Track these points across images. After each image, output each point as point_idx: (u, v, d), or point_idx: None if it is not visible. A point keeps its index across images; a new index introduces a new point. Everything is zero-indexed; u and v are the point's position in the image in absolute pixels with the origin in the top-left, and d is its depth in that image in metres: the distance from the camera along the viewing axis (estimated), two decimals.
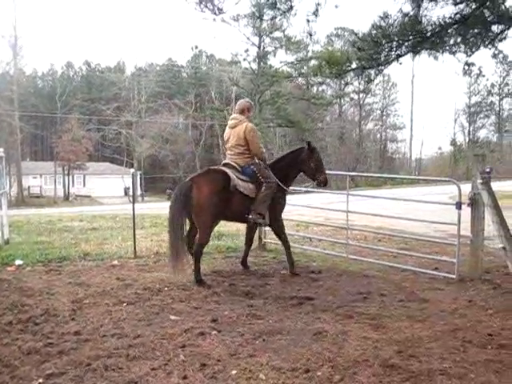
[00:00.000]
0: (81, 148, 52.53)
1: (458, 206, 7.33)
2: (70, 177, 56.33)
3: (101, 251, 9.42)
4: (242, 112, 7.61)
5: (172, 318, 5.46)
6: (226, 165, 7.48)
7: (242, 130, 7.35)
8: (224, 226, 8.30)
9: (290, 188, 8.20)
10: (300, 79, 53.10)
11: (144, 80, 62.06)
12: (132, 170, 10.91)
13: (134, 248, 9.10)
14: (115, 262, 8.46)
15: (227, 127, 7.69)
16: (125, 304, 5.95)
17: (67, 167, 54.03)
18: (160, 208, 23.96)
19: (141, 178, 57.97)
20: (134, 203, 9.62)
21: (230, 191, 7.05)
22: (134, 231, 9.30)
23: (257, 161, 7.56)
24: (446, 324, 5.26)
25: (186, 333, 4.95)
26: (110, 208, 25.00)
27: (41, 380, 3.90)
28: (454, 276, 7.28)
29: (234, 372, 4.03)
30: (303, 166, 7.86)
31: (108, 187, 54.46)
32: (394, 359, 4.25)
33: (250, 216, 7.29)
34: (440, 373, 3.99)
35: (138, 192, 53.69)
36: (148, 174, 59.95)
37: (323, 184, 7.89)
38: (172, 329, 5.07)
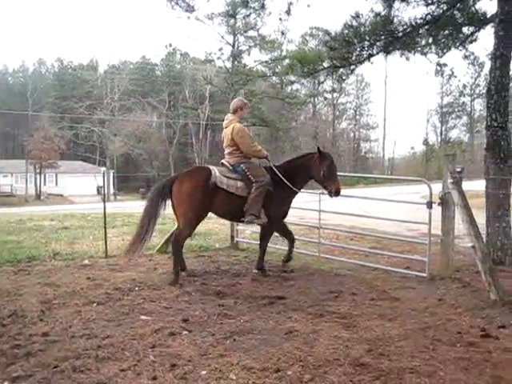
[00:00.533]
0: (53, 146, 51.72)
1: (429, 205, 7.39)
2: (42, 175, 55.53)
3: (71, 251, 9.32)
4: (234, 111, 7.60)
5: (142, 318, 5.40)
6: (222, 164, 7.56)
7: (230, 130, 7.39)
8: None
9: None
10: (274, 78, 53.32)
11: (117, 78, 61.52)
12: (103, 169, 10.78)
13: (106, 247, 9.01)
14: (86, 262, 8.37)
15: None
16: (95, 304, 5.88)
17: (39, 166, 53.24)
18: (133, 207, 23.83)
19: (113, 177, 57.48)
20: (104, 202, 9.51)
21: (213, 188, 7.07)
22: (105, 230, 9.21)
23: (252, 160, 7.53)
24: (416, 322, 5.30)
25: (156, 333, 4.90)
26: (83, 207, 24.76)
27: (7, 383, 3.82)
28: (424, 275, 7.34)
29: (204, 372, 3.99)
30: (312, 172, 7.52)
31: (80, 186, 53.78)
32: (365, 358, 4.26)
33: (246, 218, 7.25)
34: (410, 371, 4.01)
35: (111, 191, 53.22)
36: (121, 173, 59.44)
37: (334, 195, 7.41)
38: (142, 329, 5.01)
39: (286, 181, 7.40)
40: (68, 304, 5.88)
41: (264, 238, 7.81)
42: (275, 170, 7.50)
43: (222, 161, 7.60)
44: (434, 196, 7.36)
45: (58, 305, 5.85)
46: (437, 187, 7.48)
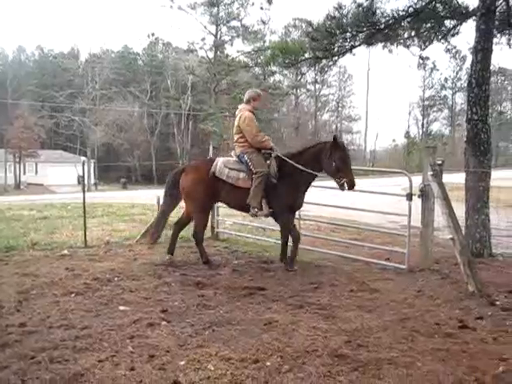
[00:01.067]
0: (33, 135, 51.23)
1: (409, 197, 7.41)
2: (22, 165, 54.95)
3: (50, 241, 9.27)
4: (247, 102, 7.58)
5: (121, 308, 5.37)
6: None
7: (238, 118, 7.47)
8: (177, 216, 8.17)
9: None
10: (257, 69, 53.14)
11: (98, 67, 61.01)
12: (83, 158, 10.69)
13: (85, 237, 8.96)
14: (65, 252, 8.31)
15: None
16: (73, 295, 5.84)
17: (18, 155, 52.65)
18: (113, 197, 23.72)
19: (94, 167, 57.08)
20: (84, 192, 9.44)
21: (215, 179, 7.29)
22: (85, 220, 9.14)
23: (253, 149, 7.36)
24: (395, 314, 5.32)
25: (135, 324, 4.88)
26: (63, 197, 24.54)
27: None
28: (403, 266, 7.38)
29: (182, 363, 3.97)
30: (323, 164, 7.12)
31: (61, 175, 53.34)
32: (343, 349, 4.27)
33: (250, 211, 7.31)
34: (388, 362, 4.02)
35: (92, 181, 52.86)
36: (102, 163, 59.00)
37: (348, 188, 7.01)
38: (121, 320, 4.99)
39: (298, 165, 7.16)
40: (46, 294, 5.84)
41: (281, 234, 7.71)
42: (282, 157, 7.33)
43: (232, 153, 7.69)
44: (414, 188, 7.39)
45: (36, 295, 5.81)
46: (418, 179, 7.51)
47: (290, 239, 7.58)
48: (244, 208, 7.43)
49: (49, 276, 6.63)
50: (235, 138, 7.53)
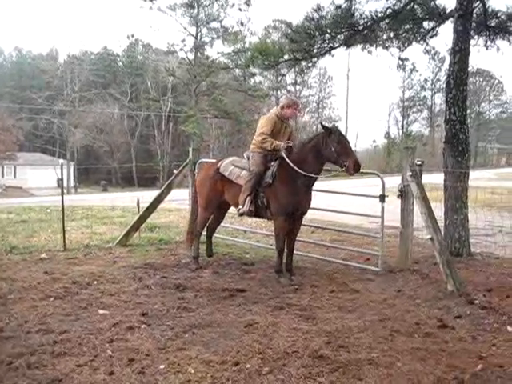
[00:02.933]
0: (11, 138, 50.65)
1: (382, 198, 7.43)
2: (0, 167, 54.35)
3: (29, 244, 9.12)
4: (280, 107, 7.22)
5: (101, 312, 5.32)
6: None
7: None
8: (157, 218, 8.14)
9: None
10: (237, 71, 53.25)
11: (78, 68, 60.48)
12: (62, 161, 10.59)
13: (64, 241, 8.84)
14: (43, 256, 8.19)
15: None
16: (52, 299, 5.77)
17: None
18: (93, 200, 23.52)
19: (74, 169, 56.63)
20: (62, 195, 9.33)
21: (220, 176, 7.39)
22: (64, 223, 9.03)
23: (260, 150, 7.09)
24: (375, 314, 5.35)
25: (114, 327, 4.85)
26: (42, 200, 24.24)
27: None
28: (378, 268, 7.37)
29: (162, 366, 3.95)
30: (323, 152, 6.66)
31: (40, 178, 52.79)
32: (324, 350, 4.28)
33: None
34: (368, 362, 4.04)
35: (71, 183, 52.45)
36: (82, 165, 58.54)
37: (354, 170, 6.41)
38: (100, 323, 4.95)
39: (290, 162, 6.77)
40: (24, 299, 5.75)
41: (275, 239, 7.24)
42: (284, 156, 6.87)
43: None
44: (393, 189, 7.42)
45: (14, 300, 5.72)
46: (398, 180, 7.54)
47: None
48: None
49: (27, 280, 6.54)
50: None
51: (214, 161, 8.14)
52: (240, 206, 7.05)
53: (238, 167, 7.29)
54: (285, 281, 6.72)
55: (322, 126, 6.86)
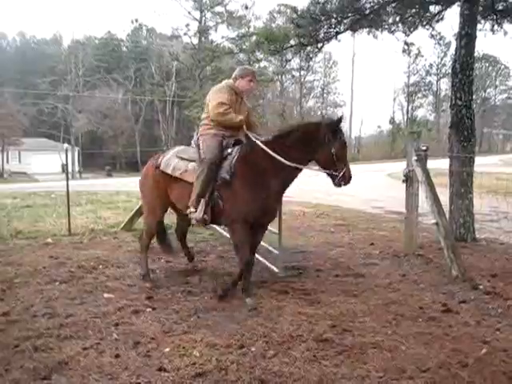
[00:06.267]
0: (16, 123, 50.59)
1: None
2: (5, 153, 54.33)
3: (34, 229, 9.19)
4: (233, 78, 5.77)
5: (106, 296, 5.36)
6: None
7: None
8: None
9: None
10: (241, 55, 52.93)
11: (81, 53, 60.27)
12: (66, 146, 10.59)
13: (69, 225, 8.89)
14: (49, 240, 8.26)
15: None
16: (57, 283, 5.81)
17: (1, 143, 51.99)
18: (98, 184, 23.58)
19: (79, 154, 56.66)
20: (67, 179, 9.37)
21: (165, 175, 5.72)
22: (69, 208, 9.07)
23: (214, 132, 5.54)
24: (379, 298, 5.35)
25: (119, 311, 4.88)
26: (47, 185, 24.33)
27: None
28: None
29: (167, 349, 3.97)
30: (320, 150, 5.22)
31: (45, 164, 52.80)
32: (328, 334, 4.29)
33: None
34: (372, 346, 4.05)
35: (76, 168, 52.49)
36: (86, 150, 58.53)
37: (344, 183, 5.26)
38: (105, 307, 4.99)
39: (272, 152, 5.25)
40: (30, 283, 5.80)
41: (235, 249, 5.71)
42: (253, 138, 5.46)
43: None
44: (394, 175, 7.41)
45: (20, 284, 5.77)
46: (403, 165, 7.52)
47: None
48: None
49: (32, 265, 6.59)
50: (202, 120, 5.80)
51: (154, 156, 6.17)
52: (191, 210, 5.35)
53: (184, 159, 5.61)
54: (252, 302, 5.09)
55: (328, 118, 5.62)
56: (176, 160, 5.65)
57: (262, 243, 6.12)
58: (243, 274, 5.33)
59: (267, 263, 6.58)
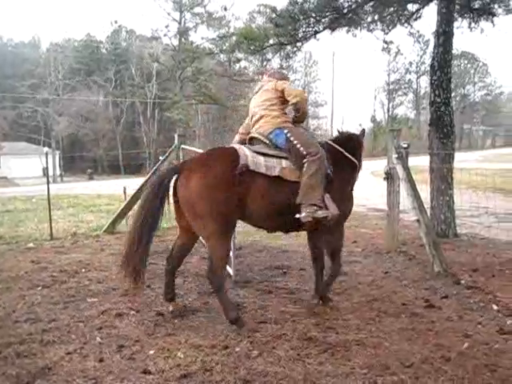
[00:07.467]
0: None
1: None
2: None
3: (15, 234, 9.12)
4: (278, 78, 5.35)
5: (89, 300, 5.32)
6: (250, 139, 5.25)
7: (267, 88, 5.26)
8: None
9: None
10: (222, 56, 52.89)
11: (61, 56, 59.80)
12: (46, 149, 10.53)
13: (51, 229, 8.83)
14: (30, 245, 8.19)
15: None
16: (40, 288, 5.76)
17: None
18: (79, 188, 23.42)
19: (59, 158, 56.20)
20: (48, 184, 9.29)
21: (247, 176, 4.57)
22: (50, 212, 9.01)
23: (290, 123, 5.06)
24: (362, 296, 5.40)
25: (103, 314, 4.85)
26: (27, 189, 24.12)
27: None
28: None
29: (151, 352, 3.96)
30: (360, 156, 5.44)
31: (25, 168, 52.25)
32: (312, 332, 4.32)
33: (302, 213, 4.59)
34: (356, 343, 4.08)
35: (57, 172, 52.06)
36: (67, 154, 58.09)
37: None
38: (89, 311, 4.95)
39: (352, 158, 5.23)
40: (12, 288, 5.74)
41: (331, 255, 5.26)
42: (333, 144, 5.28)
43: (251, 134, 5.20)
44: (376, 173, 7.46)
45: (1, 290, 5.71)
46: (385, 163, 7.57)
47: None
48: (287, 219, 4.76)
49: (14, 270, 6.53)
50: (261, 113, 5.09)
51: (205, 156, 4.91)
52: (313, 208, 4.54)
53: (273, 156, 4.77)
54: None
55: (363, 133, 5.73)
56: (262, 158, 4.69)
57: None
58: (333, 280, 5.28)
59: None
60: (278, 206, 4.65)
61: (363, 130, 5.81)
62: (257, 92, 5.40)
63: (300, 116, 5.02)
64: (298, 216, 4.57)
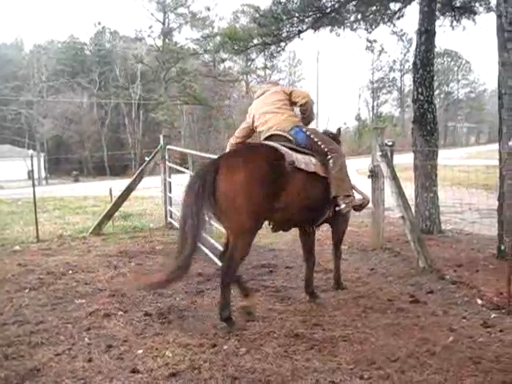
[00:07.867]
0: None
1: None
2: None
3: (1, 237, 9.09)
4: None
5: (77, 301, 5.32)
6: (269, 137, 5.22)
7: (275, 91, 5.48)
8: (130, 206, 8.13)
9: None
10: (206, 56, 52.85)
11: (44, 58, 59.42)
12: (31, 152, 10.50)
13: (37, 232, 8.79)
14: (17, 248, 8.16)
15: None
16: (27, 290, 5.74)
17: None
18: (65, 190, 23.31)
19: (44, 160, 55.85)
20: (34, 186, 9.24)
21: (291, 172, 4.66)
22: (36, 215, 8.97)
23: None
24: (348, 292, 5.46)
25: (91, 315, 4.85)
26: (12, 192, 23.96)
27: None
28: None
29: (140, 351, 3.98)
30: None
31: (10, 171, 51.75)
32: (299, 329, 4.36)
33: (341, 205, 4.95)
34: (342, 339, 4.12)
35: (42, 175, 51.76)
36: (52, 156, 57.76)
37: None
38: (77, 312, 4.95)
39: None
40: None
41: (336, 244, 5.85)
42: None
43: (271, 131, 5.18)
44: (361, 171, 7.52)
45: None
46: (370, 161, 7.62)
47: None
48: (319, 212, 5.09)
49: (1, 273, 6.49)
50: (274, 111, 5.22)
51: (244, 150, 4.96)
52: (348, 200, 4.97)
53: (303, 153, 4.90)
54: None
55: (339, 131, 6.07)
56: (300, 156, 4.79)
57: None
58: (338, 271, 5.76)
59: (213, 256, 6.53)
60: (312, 201, 4.85)
61: (339, 128, 6.10)
62: (259, 96, 5.54)
63: (307, 117, 5.49)
64: (337, 209, 4.96)
